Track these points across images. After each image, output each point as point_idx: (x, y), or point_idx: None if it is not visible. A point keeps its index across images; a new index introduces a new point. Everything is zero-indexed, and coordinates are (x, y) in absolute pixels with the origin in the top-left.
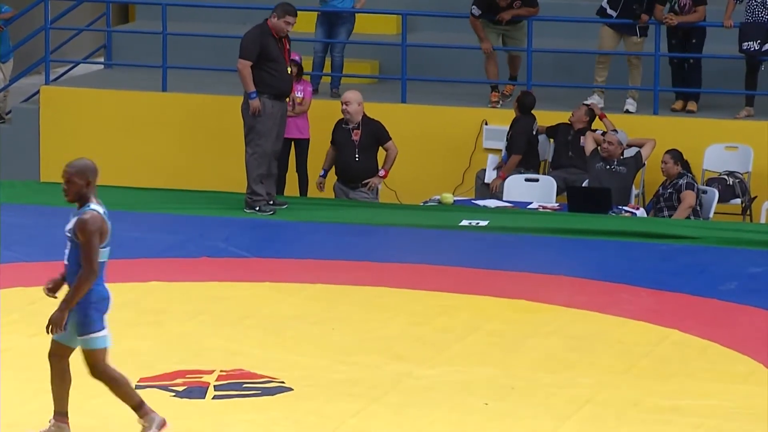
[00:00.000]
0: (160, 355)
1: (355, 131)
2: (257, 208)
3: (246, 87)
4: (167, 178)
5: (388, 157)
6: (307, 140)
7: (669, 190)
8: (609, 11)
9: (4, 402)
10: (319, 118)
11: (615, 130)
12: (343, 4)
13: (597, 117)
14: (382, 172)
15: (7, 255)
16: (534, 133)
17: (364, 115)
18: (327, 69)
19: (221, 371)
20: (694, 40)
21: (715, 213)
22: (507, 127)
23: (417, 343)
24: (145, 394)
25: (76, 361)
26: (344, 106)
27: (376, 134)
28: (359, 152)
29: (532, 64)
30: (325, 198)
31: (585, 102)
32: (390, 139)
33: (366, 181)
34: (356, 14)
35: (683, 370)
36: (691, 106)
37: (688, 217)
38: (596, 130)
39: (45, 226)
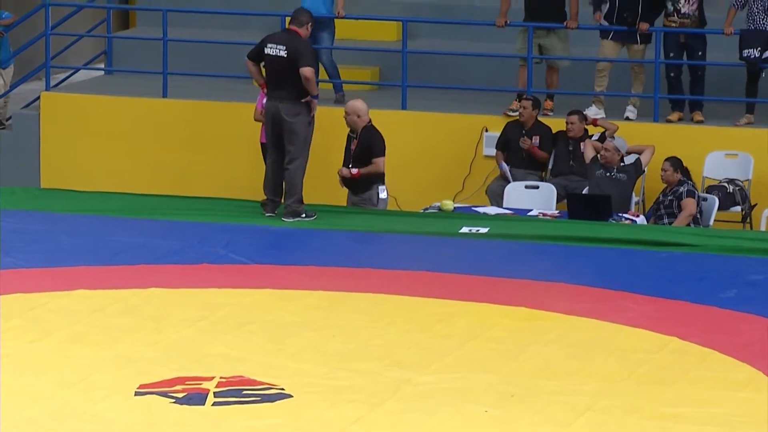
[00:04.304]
0: (160, 362)
1: (354, 141)
2: (303, 215)
3: (315, 91)
4: (167, 185)
5: (370, 166)
6: None
7: (669, 198)
8: (608, 27)
9: (4, 408)
10: (319, 123)
11: (613, 137)
12: (317, 8)
13: (591, 123)
14: (354, 171)
15: (7, 261)
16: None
17: (367, 126)
18: (322, 74)
19: (221, 378)
20: (699, 53)
21: (715, 220)
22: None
23: (417, 350)
24: (144, 401)
25: (77, 363)
26: (344, 115)
27: (369, 146)
28: (353, 162)
29: (532, 71)
30: (325, 205)
31: (574, 111)
32: (381, 155)
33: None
34: (355, 19)
35: (683, 378)
36: (697, 116)
37: (688, 225)
38: (594, 135)
39: (45, 232)
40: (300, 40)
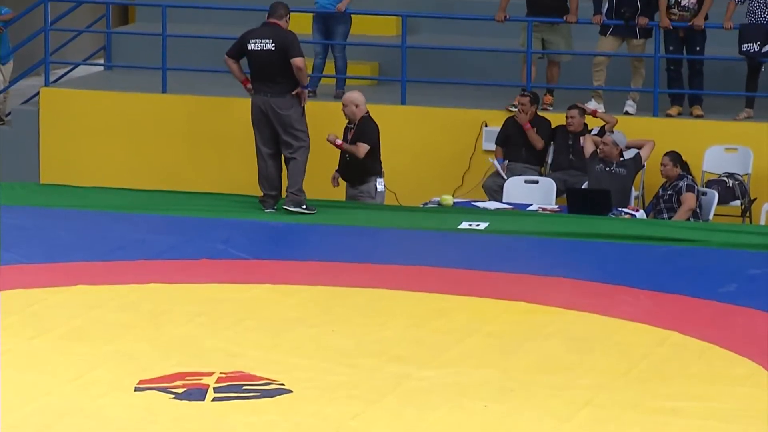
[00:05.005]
0: (160, 357)
1: (351, 131)
2: (304, 207)
3: (306, 81)
4: (167, 180)
5: (352, 146)
6: None
7: (669, 192)
8: (606, 22)
9: (4, 404)
10: (318, 120)
11: (612, 131)
12: (332, 4)
13: (591, 114)
14: (339, 141)
15: (7, 257)
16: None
17: (365, 116)
18: (328, 70)
19: (221, 373)
20: (698, 48)
21: (714, 215)
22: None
23: (416, 345)
24: (144, 396)
25: (76, 359)
26: (342, 107)
27: (360, 134)
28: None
29: (531, 66)
30: (324, 200)
31: (574, 105)
32: (368, 142)
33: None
34: (354, 14)
35: (683, 372)
36: (697, 110)
37: (687, 219)
38: (594, 129)
39: (44, 227)
40: (286, 32)
